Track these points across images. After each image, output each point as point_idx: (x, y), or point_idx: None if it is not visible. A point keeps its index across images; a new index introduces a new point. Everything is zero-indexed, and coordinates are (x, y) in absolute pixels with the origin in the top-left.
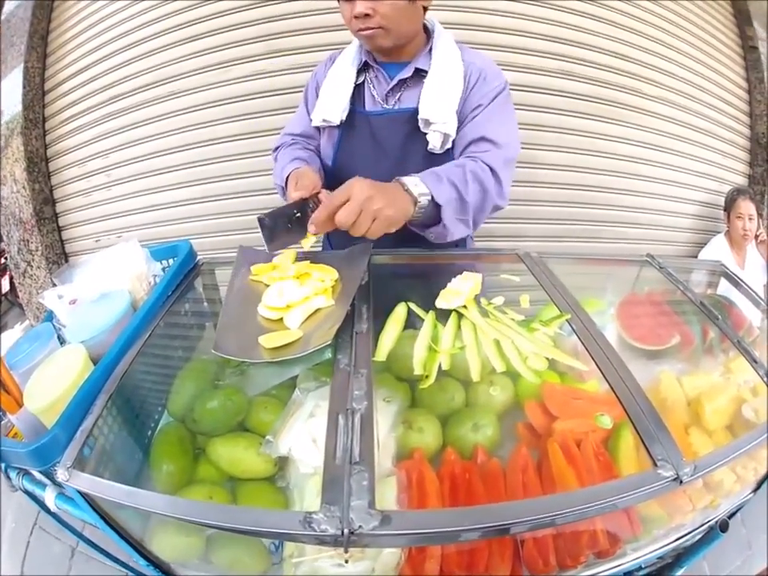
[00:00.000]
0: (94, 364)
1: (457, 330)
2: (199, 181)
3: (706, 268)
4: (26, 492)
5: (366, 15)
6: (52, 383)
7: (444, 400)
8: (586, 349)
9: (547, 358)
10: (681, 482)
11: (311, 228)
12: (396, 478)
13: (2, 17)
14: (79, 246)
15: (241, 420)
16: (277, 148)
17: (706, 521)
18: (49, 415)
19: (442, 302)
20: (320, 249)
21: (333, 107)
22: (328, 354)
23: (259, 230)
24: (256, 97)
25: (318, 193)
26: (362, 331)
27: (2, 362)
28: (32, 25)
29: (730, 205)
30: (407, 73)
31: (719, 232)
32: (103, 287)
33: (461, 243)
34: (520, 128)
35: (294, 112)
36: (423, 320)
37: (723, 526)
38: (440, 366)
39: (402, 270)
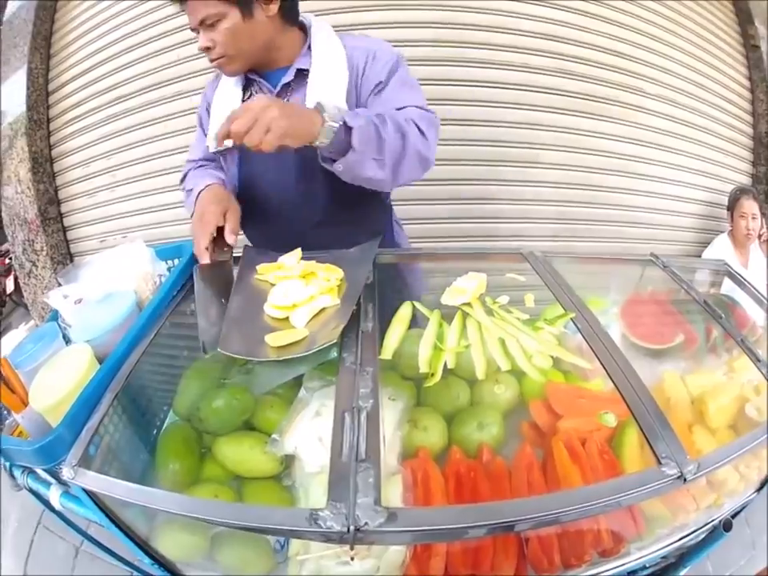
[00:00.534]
0: (99, 363)
1: (462, 328)
2: None
3: (710, 267)
4: (31, 491)
5: (208, 48)
6: (57, 382)
7: (449, 399)
8: (591, 347)
9: (552, 357)
10: (685, 480)
11: (211, 145)
12: (401, 476)
13: (5, 18)
14: (84, 246)
15: (247, 419)
16: (183, 178)
17: (710, 520)
18: (54, 414)
19: (447, 299)
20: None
21: None
22: (333, 353)
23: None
24: None
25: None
26: (367, 330)
27: (7, 360)
28: (35, 26)
29: (733, 204)
30: (289, 76)
31: (722, 231)
32: (108, 287)
33: (390, 242)
34: (520, 127)
35: None
36: (428, 320)
37: (727, 526)
38: (445, 365)
39: (407, 269)
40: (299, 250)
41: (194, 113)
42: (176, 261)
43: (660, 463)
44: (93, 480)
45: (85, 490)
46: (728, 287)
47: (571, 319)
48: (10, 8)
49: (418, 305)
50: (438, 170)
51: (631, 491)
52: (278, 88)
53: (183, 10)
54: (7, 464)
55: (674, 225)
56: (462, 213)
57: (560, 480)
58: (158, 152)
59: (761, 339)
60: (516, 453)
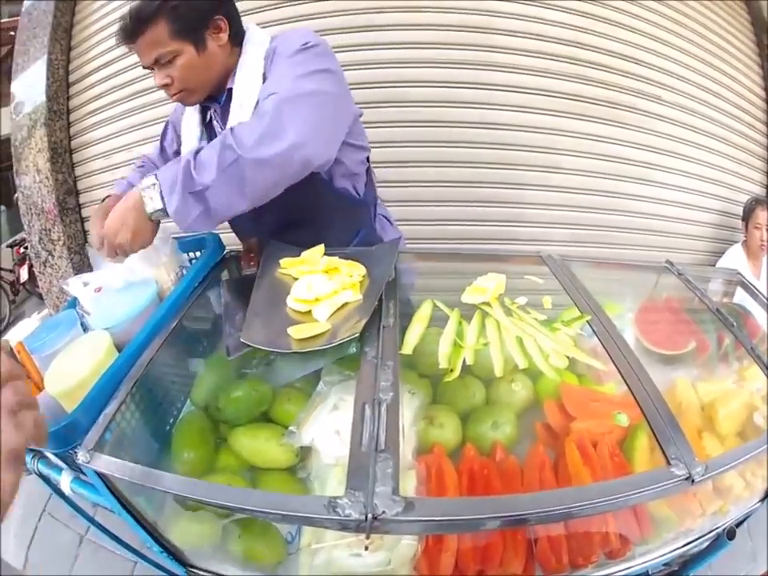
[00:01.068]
0: (118, 352)
1: (481, 327)
2: None
3: (723, 277)
4: (41, 475)
5: (165, 84)
6: (74, 367)
7: (465, 397)
8: (606, 350)
9: (567, 357)
10: (692, 481)
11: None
12: (416, 470)
13: (23, 9)
14: None
15: (264, 410)
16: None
17: (715, 527)
18: (69, 399)
19: (467, 297)
20: None
21: None
22: (353, 349)
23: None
24: None
25: None
26: (388, 325)
27: (23, 345)
28: (55, 17)
29: (748, 214)
30: (223, 97)
31: (735, 241)
32: (130, 276)
33: (364, 227)
34: (542, 132)
35: None
36: (446, 319)
37: (730, 534)
38: (463, 363)
39: (428, 268)
40: (322, 245)
41: None
42: (198, 253)
43: (669, 464)
44: (109, 464)
45: (99, 475)
46: (740, 297)
47: (587, 322)
48: None
49: (438, 303)
50: (457, 172)
51: (641, 490)
52: (220, 110)
53: (132, 50)
54: None
55: (688, 233)
56: (481, 215)
57: (571, 480)
58: None
59: None
60: (529, 452)
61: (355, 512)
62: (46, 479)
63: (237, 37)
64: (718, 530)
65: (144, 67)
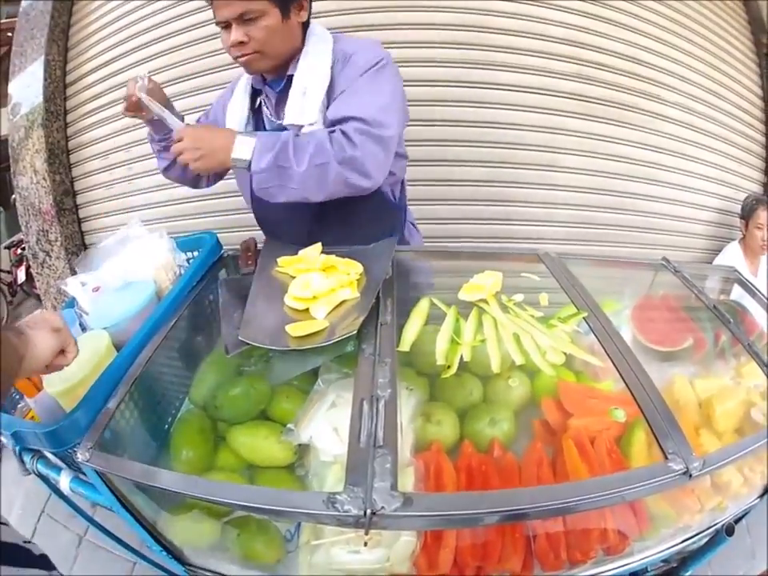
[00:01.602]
0: (116, 351)
1: (478, 324)
2: None
3: (721, 274)
4: (40, 475)
5: (241, 42)
6: (74, 367)
7: (462, 395)
8: (603, 347)
9: (564, 354)
10: (690, 475)
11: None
12: (414, 468)
13: (21, 9)
14: (99, 237)
15: (262, 408)
16: None
17: (713, 523)
18: (68, 398)
19: (464, 295)
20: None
21: None
22: (350, 347)
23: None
24: None
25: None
26: (386, 322)
27: None
28: (52, 18)
29: (749, 214)
30: (282, 84)
31: (733, 239)
32: (128, 276)
33: (396, 232)
34: (539, 131)
35: None
36: (443, 317)
37: (729, 530)
38: (460, 360)
39: (425, 266)
40: (319, 244)
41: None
42: (195, 253)
43: (667, 459)
44: (108, 462)
45: (98, 473)
46: (737, 294)
47: (584, 319)
48: None
49: (435, 300)
50: (456, 171)
51: (638, 484)
52: (276, 96)
53: (210, 3)
54: (17, 448)
55: (687, 231)
56: (478, 214)
57: (569, 476)
58: None
59: None
60: (526, 449)
61: (354, 507)
62: (45, 479)
63: (307, 24)
64: (716, 527)
65: (217, 23)
